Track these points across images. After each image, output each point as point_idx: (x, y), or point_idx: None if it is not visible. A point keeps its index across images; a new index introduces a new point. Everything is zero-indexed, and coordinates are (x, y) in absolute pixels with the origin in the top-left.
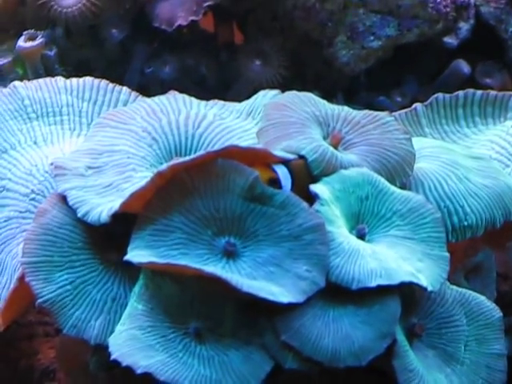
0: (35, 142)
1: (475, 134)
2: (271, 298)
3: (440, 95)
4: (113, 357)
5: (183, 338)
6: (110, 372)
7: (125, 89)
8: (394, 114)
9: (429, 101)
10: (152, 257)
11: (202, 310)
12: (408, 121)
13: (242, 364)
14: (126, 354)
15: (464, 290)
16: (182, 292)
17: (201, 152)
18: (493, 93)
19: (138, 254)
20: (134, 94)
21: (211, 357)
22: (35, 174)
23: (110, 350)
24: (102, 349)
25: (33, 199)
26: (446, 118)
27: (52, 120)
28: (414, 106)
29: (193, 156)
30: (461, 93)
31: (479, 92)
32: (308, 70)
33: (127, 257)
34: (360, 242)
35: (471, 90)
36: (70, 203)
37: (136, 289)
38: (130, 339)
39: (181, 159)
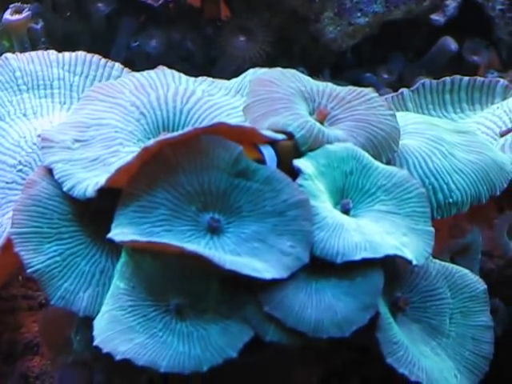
0: (24, 114)
1: (462, 119)
2: (255, 274)
3: (427, 80)
4: (95, 343)
5: (164, 315)
6: (93, 351)
7: (117, 65)
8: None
9: (415, 86)
10: (134, 235)
11: (183, 286)
12: (394, 105)
13: (219, 336)
14: (106, 339)
15: (447, 264)
16: (162, 269)
17: (188, 128)
18: (480, 79)
19: (120, 232)
20: (126, 70)
21: (190, 333)
22: (23, 146)
23: (94, 333)
24: (86, 326)
25: (20, 170)
26: (433, 103)
27: (43, 93)
28: (400, 90)
29: (180, 132)
30: (448, 78)
31: (466, 78)
32: (294, 46)
33: (110, 235)
34: (344, 216)
35: (458, 76)
36: (56, 177)
37: (118, 267)
38: (111, 321)
39: (168, 135)
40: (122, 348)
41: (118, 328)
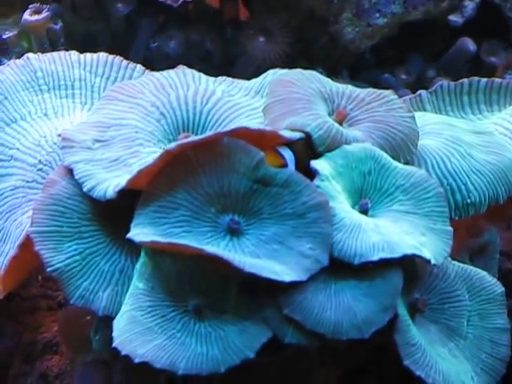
0: (45, 114)
1: (480, 121)
2: (274, 277)
3: (445, 82)
4: (114, 344)
5: (182, 316)
6: (113, 351)
7: (139, 66)
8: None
9: (433, 87)
10: (154, 235)
11: (201, 287)
12: (413, 107)
13: (237, 337)
14: (125, 340)
15: (466, 266)
16: (181, 270)
17: (210, 132)
18: (498, 80)
19: (140, 232)
20: (147, 72)
21: (208, 333)
22: (43, 145)
23: (113, 334)
24: (105, 326)
25: (40, 170)
26: (451, 105)
27: (64, 93)
28: (418, 92)
29: (202, 136)
30: (465, 80)
31: (484, 79)
32: (313, 47)
33: (129, 235)
34: (362, 216)
35: (476, 78)
36: (77, 177)
37: (137, 267)
38: (130, 322)
39: (190, 138)
40: (141, 350)
41: (136, 329)
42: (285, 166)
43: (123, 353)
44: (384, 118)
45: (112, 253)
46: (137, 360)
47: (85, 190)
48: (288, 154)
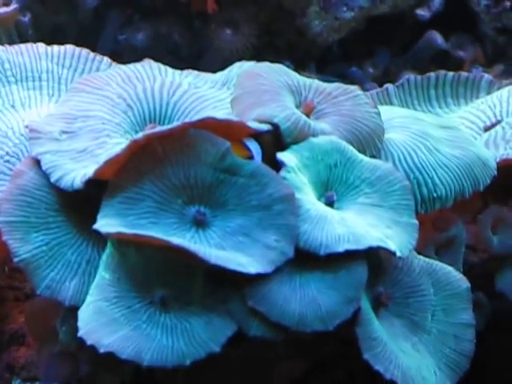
0: (13, 106)
1: (447, 115)
2: (240, 269)
3: (411, 76)
4: (79, 334)
5: (148, 307)
6: (79, 342)
7: (106, 59)
8: (365, 93)
9: (400, 81)
10: (120, 227)
11: (167, 278)
12: (379, 101)
13: (202, 330)
14: (90, 330)
15: (431, 261)
16: (147, 261)
17: (177, 123)
18: (464, 74)
19: (106, 224)
20: (114, 64)
21: (174, 325)
22: (11, 137)
23: (79, 324)
24: (72, 317)
25: (7, 161)
26: (418, 98)
27: (31, 85)
28: (385, 86)
29: (169, 126)
30: (432, 74)
31: (451, 73)
32: (280, 40)
33: (96, 226)
34: (328, 208)
35: (443, 71)
36: (44, 168)
37: (103, 257)
38: (95, 312)
39: (157, 129)
40: (106, 341)
41: (102, 319)
42: (251, 158)
43: (88, 342)
44: (351, 112)
45: (79, 243)
46: (102, 350)
47: (52, 180)
48: (254, 147)
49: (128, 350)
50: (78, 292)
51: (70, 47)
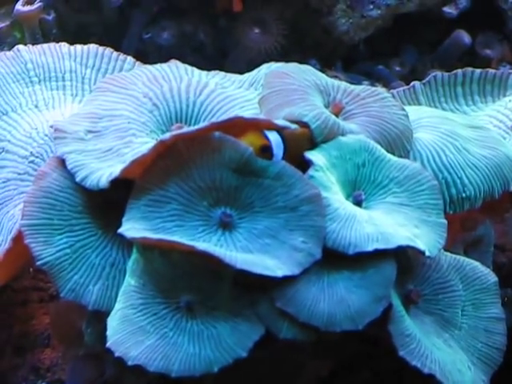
0: (36, 106)
1: (474, 112)
2: (266, 272)
3: (438, 73)
4: (107, 344)
5: (174, 313)
6: (103, 343)
7: (129, 58)
8: (392, 91)
9: (427, 79)
10: (146, 231)
11: (193, 283)
12: (406, 98)
13: (228, 336)
14: (118, 341)
15: (458, 256)
16: (172, 266)
17: (205, 123)
18: (492, 71)
19: (131, 228)
20: (138, 63)
21: (201, 331)
22: (35, 137)
23: (107, 333)
24: (97, 319)
25: (32, 162)
26: (445, 96)
27: (54, 85)
28: (412, 83)
29: (197, 127)
30: (459, 71)
31: (478, 70)
32: (307, 39)
33: (121, 230)
34: (356, 208)
35: (470, 69)
36: (69, 167)
37: (129, 263)
38: (122, 321)
39: (184, 129)
40: (134, 352)
41: (129, 329)
42: (268, 148)
43: (116, 354)
44: (379, 114)
45: (103, 246)
46: (130, 363)
47: (77, 179)
48: (274, 137)
49: (156, 362)
50: (102, 296)
51: (93, 46)
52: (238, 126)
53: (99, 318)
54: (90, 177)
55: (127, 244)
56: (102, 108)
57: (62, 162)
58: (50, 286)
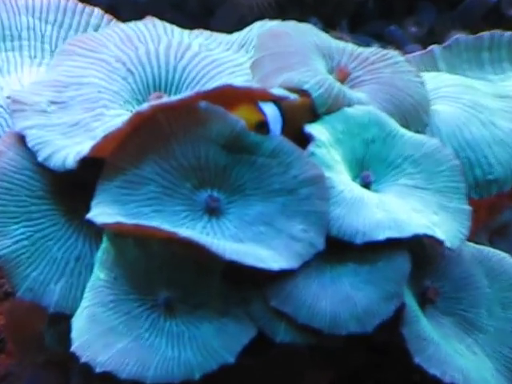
0: None
1: (503, 82)
2: (260, 264)
3: (461, 36)
4: (72, 348)
5: (151, 312)
6: (67, 347)
7: (96, 10)
8: (406, 56)
9: (448, 42)
10: (119, 216)
11: (173, 277)
12: (424, 64)
13: (214, 337)
14: (84, 344)
15: (483, 247)
16: (149, 256)
17: (188, 92)
18: None
19: (102, 212)
20: (107, 17)
21: (181, 332)
22: None
23: (72, 335)
24: (60, 319)
25: None
26: (469, 62)
27: (9, 45)
28: (430, 47)
29: (179, 96)
30: (486, 34)
31: (508, 33)
32: None
33: (90, 215)
34: (365, 190)
35: (498, 31)
36: (30, 144)
37: (98, 254)
38: (90, 321)
39: (164, 99)
40: (102, 357)
41: (97, 329)
42: (265, 123)
43: (82, 360)
44: (391, 81)
45: (67, 237)
46: (98, 369)
47: (40, 159)
48: (271, 110)
49: (128, 368)
50: (65, 296)
51: None
52: (227, 95)
53: (62, 318)
54: (55, 156)
55: (96, 233)
56: (68, 75)
57: (20, 138)
58: (4, 281)
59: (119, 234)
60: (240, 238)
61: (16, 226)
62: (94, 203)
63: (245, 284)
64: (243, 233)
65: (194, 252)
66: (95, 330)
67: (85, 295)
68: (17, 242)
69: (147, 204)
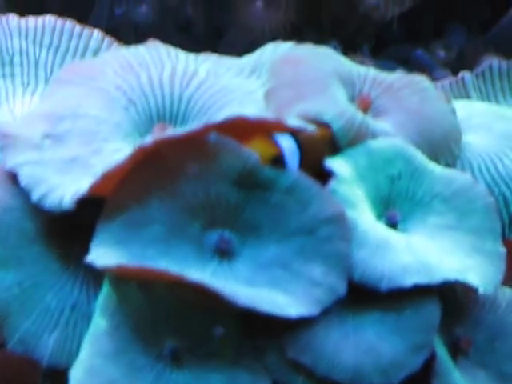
0: None
1: None
2: (276, 311)
3: (495, 61)
4: None
5: (155, 363)
6: None
7: (96, 33)
8: (434, 83)
9: (480, 68)
10: (122, 258)
11: (180, 325)
12: (453, 93)
13: None
14: None
15: None
16: (154, 302)
17: (197, 125)
18: None
19: (103, 254)
20: (107, 40)
21: None
22: None
23: None
24: (57, 373)
25: None
26: (503, 90)
27: (0, 71)
28: (460, 74)
29: (186, 129)
30: None
31: None
32: (324, 15)
33: (89, 257)
34: (390, 231)
35: None
36: (22, 183)
37: (99, 300)
38: (89, 373)
39: (170, 132)
40: None
41: (97, 382)
42: (281, 158)
43: None
44: (418, 109)
45: (62, 283)
46: None
47: (34, 199)
48: (288, 142)
49: None
50: (60, 348)
51: (49, 20)
52: (238, 127)
53: (58, 374)
54: (50, 195)
55: (94, 279)
56: (63, 105)
57: (11, 176)
58: None
59: (122, 278)
60: (254, 283)
61: (5, 273)
62: (93, 245)
63: (259, 332)
64: (257, 276)
65: (204, 298)
66: (95, 382)
67: (83, 344)
68: (6, 289)
69: (152, 245)
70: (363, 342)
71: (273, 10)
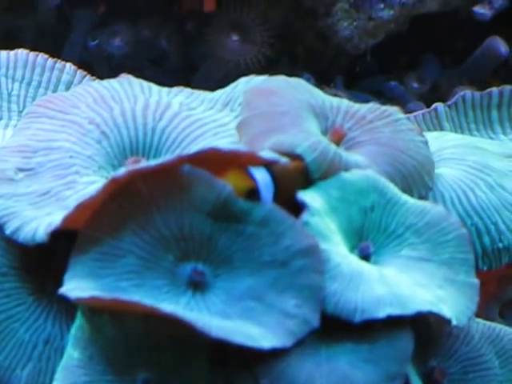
0: None
1: None
2: (250, 343)
3: (468, 93)
4: None
5: None
6: None
7: (68, 66)
8: (407, 115)
9: (453, 100)
10: (95, 290)
11: (153, 356)
12: (426, 124)
13: None
14: None
15: (493, 324)
16: (127, 334)
17: (170, 157)
18: None
19: (76, 287)
20: (80, 73)
21: None
22: None
23: None
24: None
25: None
26: (476, 122)
27: None
28: (434, 105)
29: (159, 161)
30: (495, 90)
31: None
32: (298, 48)
33: (63, 289)
34: (363, 263)
35: (508, 87)
36: None
37: (72, 331)
38: None
39: (142, 164)
40: None
41: None
42: (255, 191)
43: None
44: (391, 141)
45: (35, 317)
46: None
47: (7, 232)
48: (262, 175)
49: None
50: (33, 382)
51: (21, 53)
52: (211, 159)
53: None
54: (24, 228)
55: (68, 312)
56: (37, 139)
57: None
58: None
59: (95, 310)
60: (227, 315)
61: None
62: (67, 277)
63: (232, 364)
64: (231, 308)
65: (177, 330)
66: None
67: (56, 376)
68: None
69: (125, 278)
70: (336, 371)
71: (248, 43)
